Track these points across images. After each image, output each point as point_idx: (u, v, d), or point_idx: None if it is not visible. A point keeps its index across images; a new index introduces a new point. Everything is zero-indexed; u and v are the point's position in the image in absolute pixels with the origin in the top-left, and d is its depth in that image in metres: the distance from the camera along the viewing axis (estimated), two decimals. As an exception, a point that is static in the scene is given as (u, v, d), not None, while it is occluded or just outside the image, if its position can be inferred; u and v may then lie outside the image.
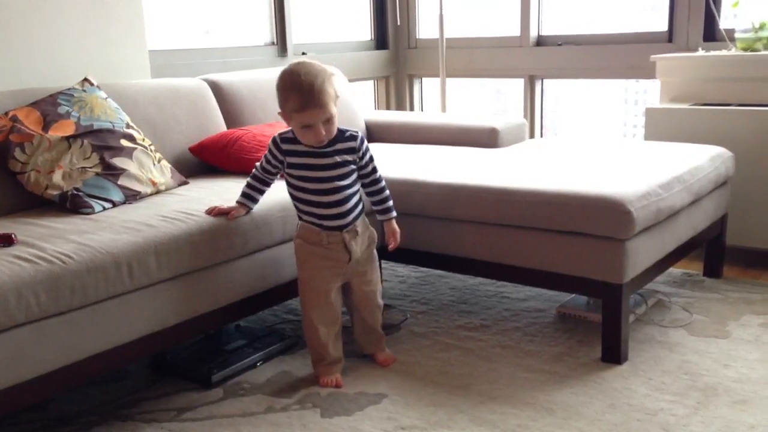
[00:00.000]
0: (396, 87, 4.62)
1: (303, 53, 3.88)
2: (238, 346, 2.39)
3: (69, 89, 2.45)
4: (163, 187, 2.43)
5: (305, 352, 2.32)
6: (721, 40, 3.43)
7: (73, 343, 1.80)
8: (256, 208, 2.22)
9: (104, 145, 2.34)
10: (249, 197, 2.20)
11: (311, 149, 2.09)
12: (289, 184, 2.16)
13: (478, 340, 2.47)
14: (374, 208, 2.28)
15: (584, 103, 4.68)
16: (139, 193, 2.33)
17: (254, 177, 2.20)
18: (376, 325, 2.32)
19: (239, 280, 2.19)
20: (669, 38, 3.65)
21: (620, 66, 3.79)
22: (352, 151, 2.12)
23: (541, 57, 4.05)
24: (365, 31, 4.52)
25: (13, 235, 1.89)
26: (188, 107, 2.82)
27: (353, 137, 2.12)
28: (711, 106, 3.11)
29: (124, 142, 2.40)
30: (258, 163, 2.20)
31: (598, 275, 2.22)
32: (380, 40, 4.55)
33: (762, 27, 3.18)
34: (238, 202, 2.19)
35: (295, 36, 3.92)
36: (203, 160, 2.75)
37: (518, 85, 4.22)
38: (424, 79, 4.63)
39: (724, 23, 3.48)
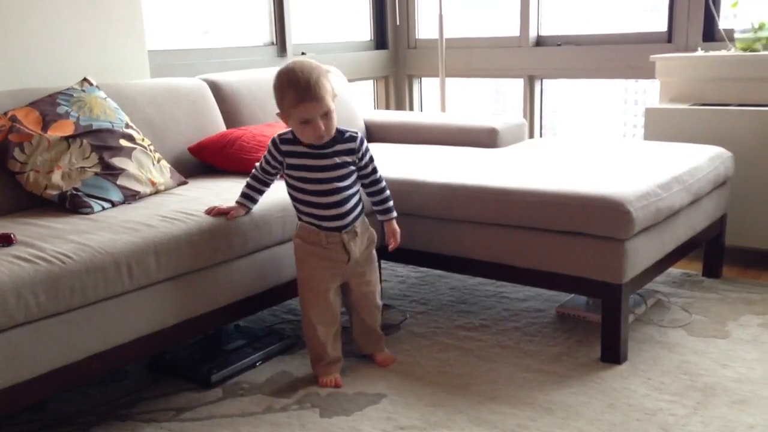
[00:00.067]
0: (395, 87, 4.62)
1: (302, 53, 3.87)
2: (238, 346, 2.39)
3: (68, 89, 2.45)
4: (162, 187, 2.43)
5: (304, 352, 2.32)
6: (721, 40, 3.43)
7: (73, 343, 1.80)
8: (256, 208, 2.22)
9: (103, 145, 2.34)
10: (248, 197, 2.20)
11: (310, 150, 2.09)
12: (288, 185, 2.16)
13: (477, 340, 2.47)
14: (374, 208, 2.28)
15: (584, 103, 4.68)
16: (139, 193, 2.33)
17: (254, 177, 2.20)
18: (375, 326, 2.32)
19: (238, 280, 2.19)
20: (668, 38, 3.65)
21: (620, 66, 3.79)
22: (351, 152, 2.12)
23: (540, 57, 4.05)
24: (365, 31, 4.52)
25: (12, 235, 1.89)
26: (187, 107, 2.82)
27: (353, 138, 2.12)
28: (710, 106, 3.11)
29: (124, 142, 2.40)
30: (257, 164, 2.20)
31: (598, 275, 2.22)
32: (380, 40, 4.55)
33: (761, 27, 3.18)
34: (237, 202, 2.19)
35: (294, 36, 3.92)
36: (202, 160, 2.75)
37: (518, 85, 4.22)
38: (423, 79, 4.63)
39: (723, 23, 3.48)
